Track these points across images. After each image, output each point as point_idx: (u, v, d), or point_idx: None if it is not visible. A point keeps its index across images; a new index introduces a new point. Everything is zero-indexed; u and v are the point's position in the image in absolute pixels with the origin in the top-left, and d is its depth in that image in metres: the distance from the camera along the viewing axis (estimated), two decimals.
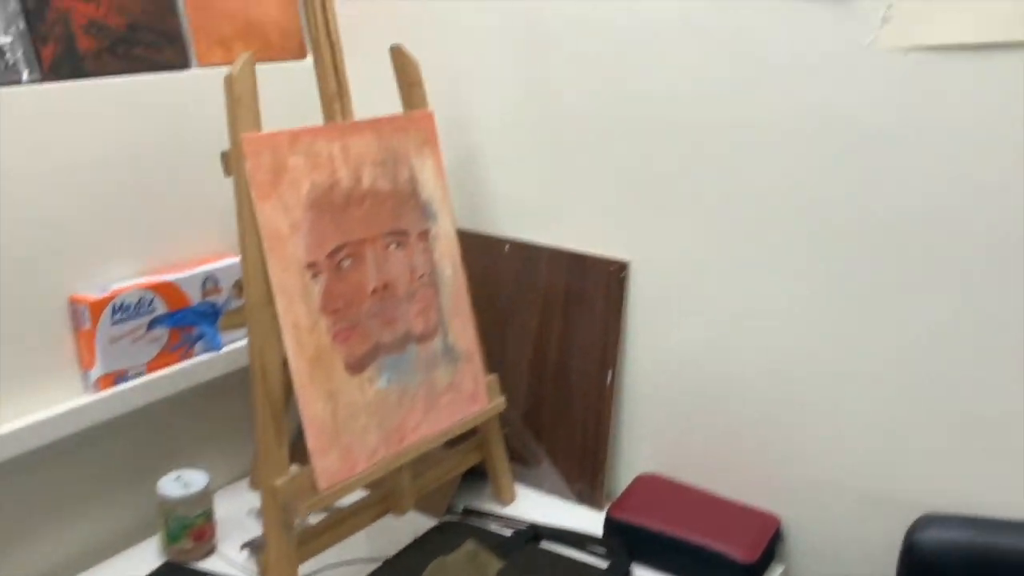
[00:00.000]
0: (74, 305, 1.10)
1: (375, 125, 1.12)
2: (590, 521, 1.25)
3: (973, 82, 0.91)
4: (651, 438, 1.27)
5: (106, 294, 1.11)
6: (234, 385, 1.33)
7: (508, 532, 1.22)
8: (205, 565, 1.15)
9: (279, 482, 0.99)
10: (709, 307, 1.18)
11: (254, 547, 1.17)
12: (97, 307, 1.10)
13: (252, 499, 1.31)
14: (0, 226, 1.03)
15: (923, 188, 0.97)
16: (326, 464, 1.03)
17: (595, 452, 1.28)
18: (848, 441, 1.10)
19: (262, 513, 1.05)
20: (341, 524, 1.10)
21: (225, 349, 1.25)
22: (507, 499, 1.30)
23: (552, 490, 1.32)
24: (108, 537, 1.20)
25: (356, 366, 1.07)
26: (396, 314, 1.13)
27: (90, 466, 1.17)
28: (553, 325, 1.30)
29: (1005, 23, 0.87)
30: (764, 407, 1.16)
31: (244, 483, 1.36)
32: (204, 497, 1.16)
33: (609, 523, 1.19)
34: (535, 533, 1.21)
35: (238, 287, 1.26)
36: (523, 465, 1.35)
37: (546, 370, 1.31)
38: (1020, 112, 0.89)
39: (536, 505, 1.30)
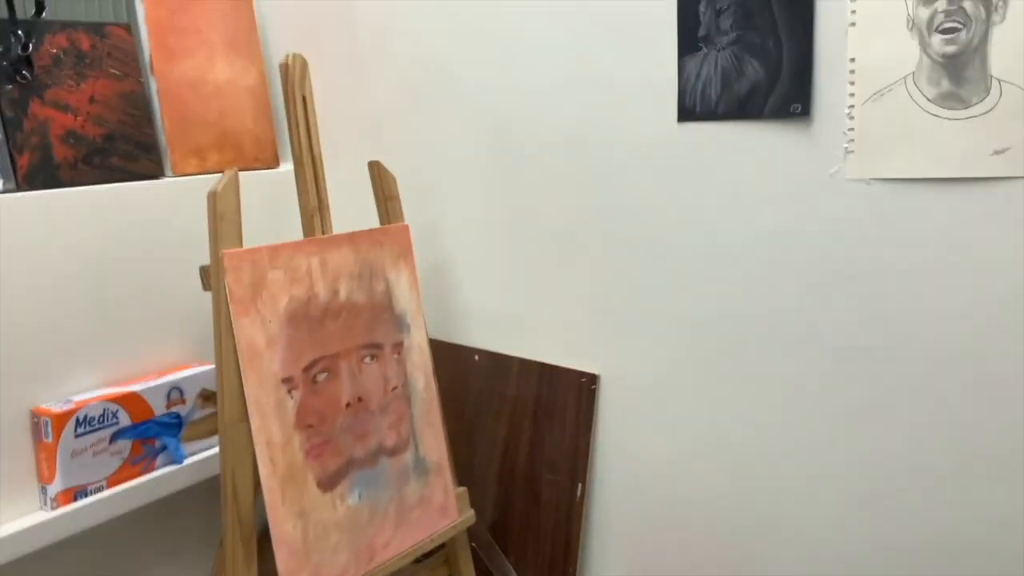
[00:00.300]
0: (36, 417, 1.07)
1: (353, 239, 1.13)
2: None
3: (933, 211, 0.96)
4: (620, 552, 1.27)
5: (69, 406, 1.08)
6: (198, 497, 1.29)
7: None
8: None
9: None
10: (678, 422, 1.19)
11: None
12: (60, 420, 1.06)
13: None
14: None
15: (885, 313, 1.01)
16: None
17: (564, 566, 1.27)
18: (814, 566, 1.11)
19: None
20: None
21: (187, 461, 1.22)
22: None
23: None
24: None
25: (328, 483, 1.06)
26: (369, 428, 1.12)
27: None
28: (522, 435, 1.30)
29: (959, 161, 0.93)
30: (732, 525, 1.17)
31: None
32: None
33: None
34: None
35: (202, 397, 1.24)
36: None
37: (514, 481, 1.31)
38: (975, 237, 0.94)
39: None
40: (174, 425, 1.20)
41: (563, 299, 1.26)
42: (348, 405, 1.09)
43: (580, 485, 1.25)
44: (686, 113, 1.08)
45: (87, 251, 1.13)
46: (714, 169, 1.10)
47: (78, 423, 1.08)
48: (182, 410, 1.21)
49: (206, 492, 1.28)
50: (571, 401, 1.26)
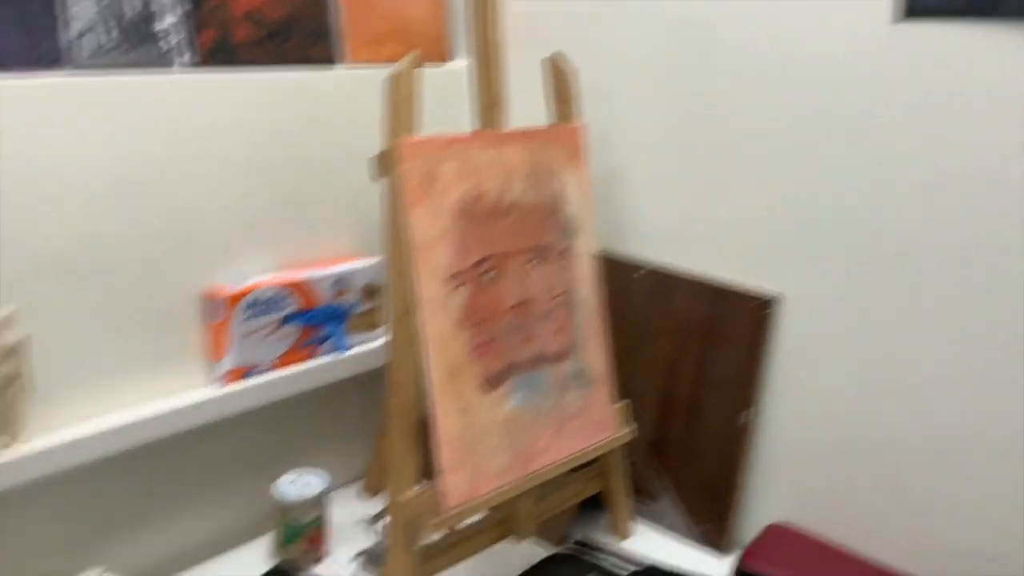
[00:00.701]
0: (210, 296, 1.09)
1: (527, 136, 1.08)
2: (712, 566, 1.18)
3: None
4: (785, 485, 1.20)
5: (243, 287, 1.09)
6: (355, 389, 1.31)
7: (625, 569, 1.16)
8: (316, 571, 1.13)
9: (406, 497, 0.96)
10: (860, 355, 1.10)
11: (371, 557, 1.13)
12: (233, 300, 1.08)
13: (365, 505, 1.28)
14: (142, 212, 1.02)
15: None
16: (455, 482, 0.99)
17: (725, 494, 1.21)
18: (1006, 516, 1.01)
19: (386, 527, 1.02)
20: (461, 545, 1.06)
21: (350, 352, 1.22)
22: (624, 534, 1.25)
23: (672, 528, 1.26)
24: (221, 532, 1.19)
25: (491, 383, 1.03)
26: (532, 332, 1.09)
27: (209, 460, 1.16)
28: (687, 358, 1.24)
29: None
30: (916, 467, 1.08)
31: (357, 488, 1.33)
32: (320, 502, 1.13)
33: (738, 572, 1.12)
34: (652, 574, 1.15)
35: (366, 291, 1.24)
36: (643, 499, 1.29)
37: (676, 404, 1.25)
38: None
39: (653, 543, 1.24)
40: (339, 316, 1.21)
41: (742, 216, 1.18)
42: (513, 307, 1.06)
43: (746, 412, 1.19)
44: (911, 7, 0.96)
45: (262, 134, 1.13)
46: (939, 80, 0.97)
47: (250, 305, 1.10)
48: (346, 302, 1.21)
49: (366, 383, 1.29)
50: (743, 325, 1.18)
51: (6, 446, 0.90)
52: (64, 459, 0.95)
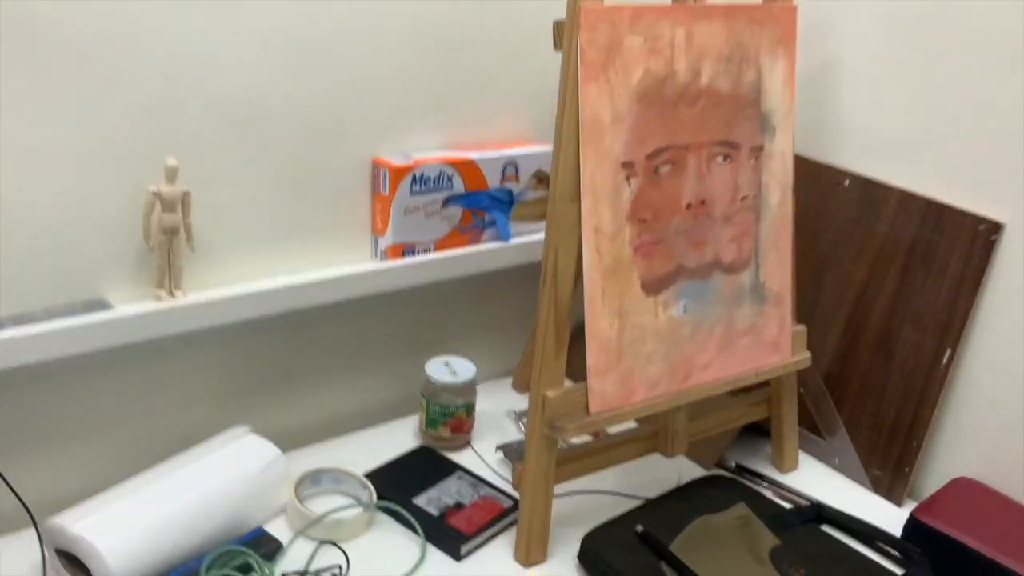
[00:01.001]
0: (376, 168, 1.06)
1: (728, 12, 0.95)
2: (882, 514, 1.06)
3: None
4: (978, 436, 1.05)
5: (408, 162, 1.06)
6: (515, 280, 1.27)
7: (785, 504, 1.06)
8: (458, 457, 1.11)
9: (551, 394, 0.90)
10: None
11: (509, 452, 1.10)
12: (398, 174, 1.05)
13: (512, 400, 1.25)
14: (313, 75, 0.99)
15: None
16: (603, 386, 0.92)
17: (908, 438, 1.08)
18: None
19: (527, 422, 0.98)
20: (604, 452, 1.01)
21: (513, 241, 1.17)
22: (788, 466, 1.14)
23: (842, 469, 1.14)
24: (367, 408, 1.20)
25: (653, 287, 0.95)
26: (708, 236, 0.98)
27: (362, 334, 1.16)
28: (886, 281, 1.09)
29: None
30: None
31: (507, 381, 1.30)
32: (469, 388, 1.11)
33: (913, 525, 0.99)
34: (819, 513, 1.04)
35: (536, 179, 1.17)
36: (812, 432, 1.17)
37: (865, 332, 1.12)
38: None
39: (820, 481, 1.13)
40: (505, 201, 1.15)
41: (972, 128, 1.00)
42: (689, 206, 0.96)
43: (950, 351, 1.04)
44: None
45: (436, 5, 1.06)
46: None
47: (415, 180, 1.06)
48: (515, 188, 1.15)
49: (528, 275, 1.24)
50: (959, 249, 1.02)
51: (162, 299, 0.92)
52: (220, 315, 0.96)
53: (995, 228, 0.99)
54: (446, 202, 1.10)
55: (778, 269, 1.05)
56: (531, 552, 0.95)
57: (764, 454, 1.17)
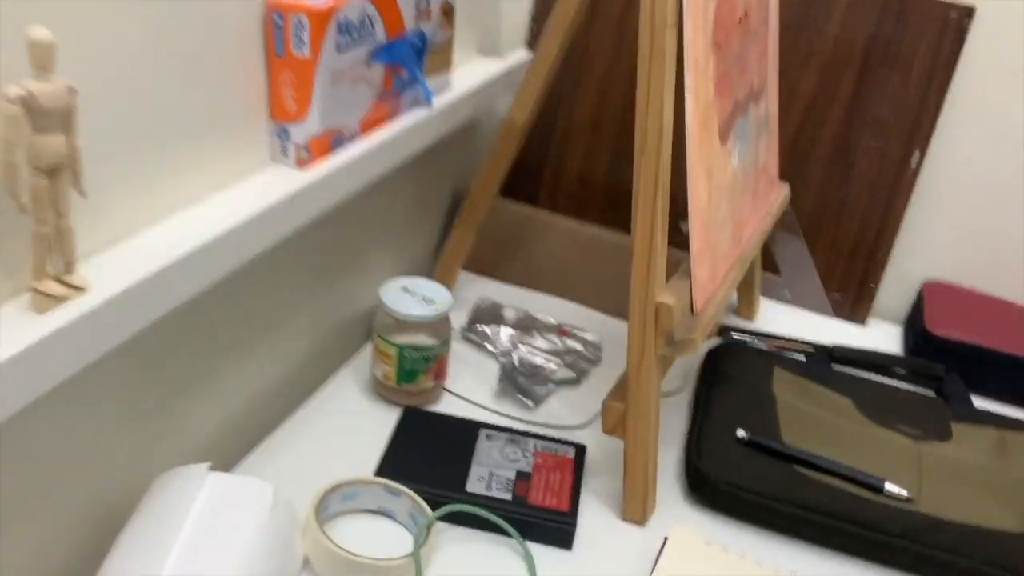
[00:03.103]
0: (278, 16, 0.66)
1: None
2: (851, 337, 1.03)
3: None
4: (942, 240, 1.04)
5: (327, 2, 0.67)
6: (432, 158, 0.94)
7: (787, 353, 0.96)
8: (445, 409, 0.82)
9: (671, 301, 0.67)
10: None
11: (513, 381, 0.84)
12: (320, 22, 0.66)
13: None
14: None
15: None
16: (702, 273, 0.71)
17: (872, 252, 1.03)
18: None
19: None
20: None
21: (435, 105, 0.85)
22: (751, 314, 1.04)
23: (796, 300, 1.07)
24: (290, 378, 0.83)
25: (724, 132, 0.74)
26: (749, 57, 0.79)
27: (269, 292, 0.77)
28: (839, 90, 0.99)
29: None
30: None
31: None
32: (445, 318, 0.80)
33: (927, 341, 0.96)
34: (831, 356, 0.96)
35: (444, 11, 0.85)
36: (766, 270, 1.08)
37: (817, 147, 1.02)
38: None
39: (778, 319, 1.05)
40: (419, 50, 0.82)
41: None
42: (740, 20, 0.75)
43: (918, 153, 0.99)
44: None
45: None
46: None
47: (340, 30, 0.69)
48: (427, 27, 0.82)
49: (441, 151, 0.93)
50: (926, 42, 0.95)
51: (51, 295, 0.48)
52: (150, 306, 0.54)
53: (968, 13, 0.93)
54: (370, 58, 0.74)
55: (773, 92, 0.89)
56: (647, 506, 0.73)
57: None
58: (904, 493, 0.72)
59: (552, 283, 1.03)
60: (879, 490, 0.73)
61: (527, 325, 0.94)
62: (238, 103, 0.66)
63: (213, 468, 0.62)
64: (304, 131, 0.70)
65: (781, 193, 0.93)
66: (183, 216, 0.61)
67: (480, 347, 0.91)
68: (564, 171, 1.10)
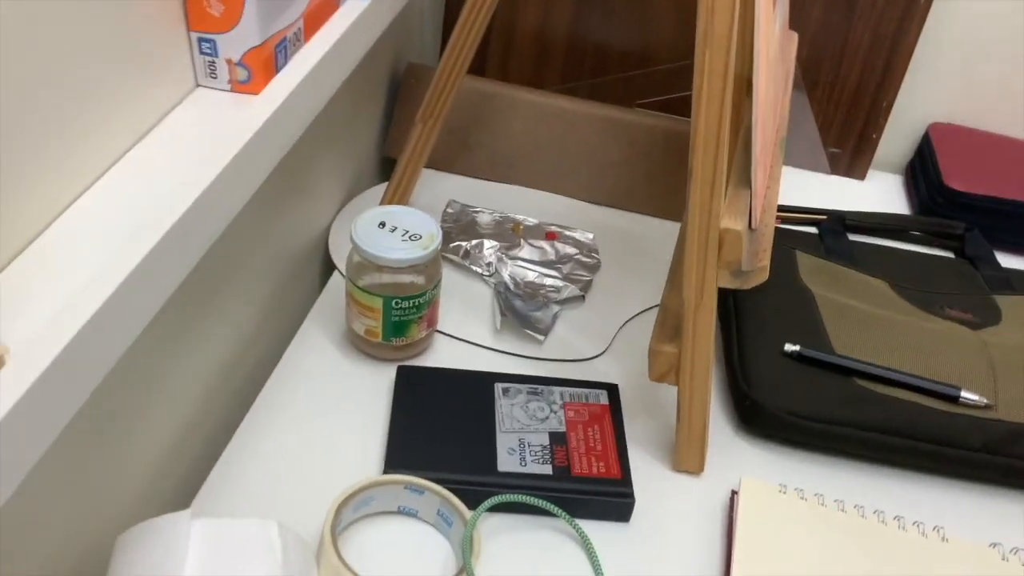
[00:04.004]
0: None
1: None
2: (853, 194, 0.93)
3: None
4: (948, 79, 0.93)
5: None
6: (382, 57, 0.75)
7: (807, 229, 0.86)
8: (435, 359, 0.68)
9: (735, 226, 0.54)
10: None
11: (520, 312, 0.71)
12: None
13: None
14: None
15: None
16: (761, 178, 0.58)
17: (876, 100, 0.91)
18: None
19: (687, 275, 0.60)
20: None
21: None
22: None
23: (793, 160, 0.96)
24: (245, 351, 0.67)
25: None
26: None
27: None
28: None
29: None
30: None
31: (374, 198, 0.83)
32: (436, 256, 0.65)
33: (945, 196, 0.87)
34: (843, 223, 0.86)
35: None
36: None
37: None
38: None
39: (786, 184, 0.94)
40: None
41: None
42: None
43: None
44: None
45: None
46: None
47: None
48: None
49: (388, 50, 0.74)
50: None
51: None
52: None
53: None
54: None
55: None
56: (704, 455, 0.63)
57: None
58: (983, 400, 0.64)
59: (521, 172, 0.87)
60: (955, 399, 0.65)
61: (508, 232, 0.80)
62: (146, 10, 0.46)
63: (196, 515, 0.47)
64: (237, 41, 0.50)
65: (794, 46, 0.79)
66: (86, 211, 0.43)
67: (461, 267, 0.77)
68: (516, 30, 0.92)
